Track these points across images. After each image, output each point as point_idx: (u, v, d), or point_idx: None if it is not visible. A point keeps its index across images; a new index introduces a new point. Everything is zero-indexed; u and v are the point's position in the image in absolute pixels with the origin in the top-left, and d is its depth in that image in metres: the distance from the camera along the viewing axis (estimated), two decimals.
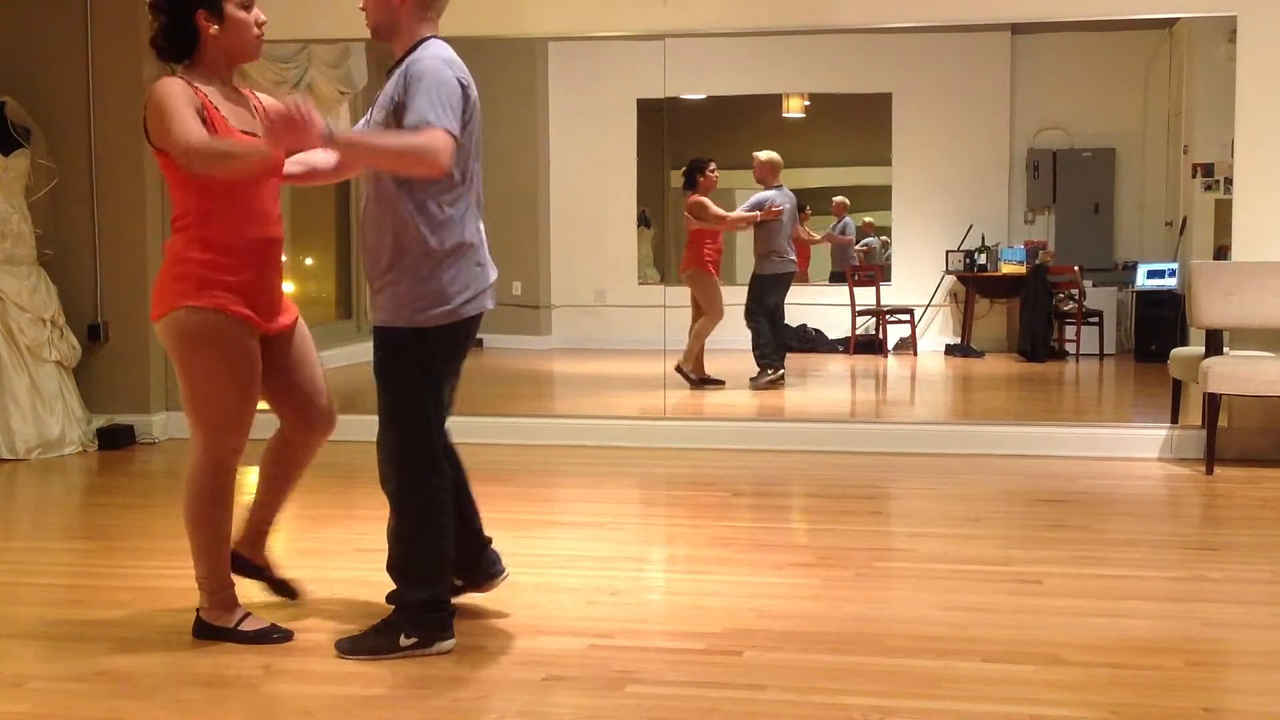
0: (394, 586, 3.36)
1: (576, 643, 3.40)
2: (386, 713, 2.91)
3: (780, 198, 8.73)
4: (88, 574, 4.25)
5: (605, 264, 10.65)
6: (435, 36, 3.27)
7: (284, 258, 3.51)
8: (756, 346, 8.67)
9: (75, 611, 3.77)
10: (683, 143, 10.52)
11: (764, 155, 8.87)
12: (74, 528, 5.18)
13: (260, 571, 3.73)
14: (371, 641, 3.31)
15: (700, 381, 8.42)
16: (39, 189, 6.71)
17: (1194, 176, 9.14)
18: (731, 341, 9.03)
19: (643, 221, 10.99)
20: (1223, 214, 7.24)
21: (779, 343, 8.81)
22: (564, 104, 10.69)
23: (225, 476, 3.38)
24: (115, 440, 6.69)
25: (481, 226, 3.33)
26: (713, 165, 8.76)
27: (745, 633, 3.49)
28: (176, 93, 3.21)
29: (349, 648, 3.31)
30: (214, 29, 3.28)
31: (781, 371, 8.62)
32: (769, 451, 6.48)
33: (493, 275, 3.35)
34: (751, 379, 8.58)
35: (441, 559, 3.33)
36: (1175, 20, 9.31)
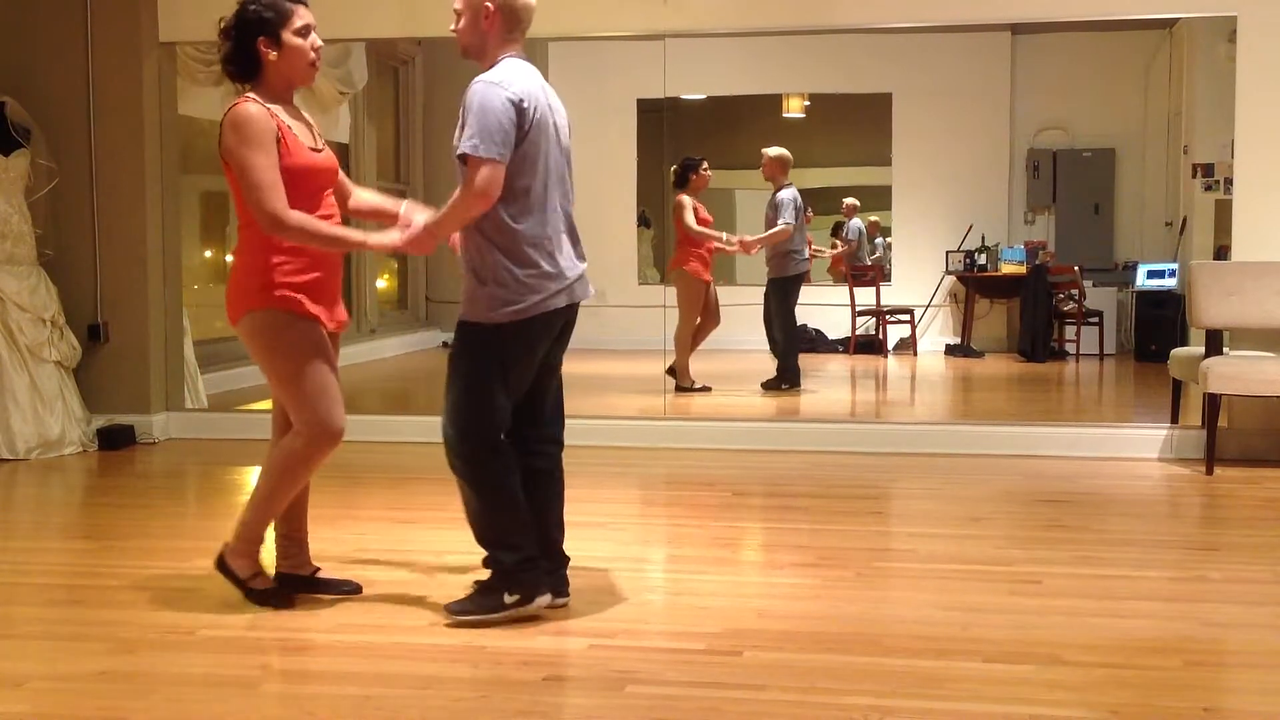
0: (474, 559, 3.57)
1: (576, 643, 3.41)
2: (386, 713, 2.91)
3: (787, 201, 8.55)
4: (88, 574, 4.25)
5: (605, 264, 10.63)
6: (516, 55, 3.52)
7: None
8: (780, 356, 8.59)
9: (75, 611, 3.77)
10: (683, 143, 10.54)
11: (773, 152, 8.62)
12: (74, 528, 5.18)
13: (313, 582, 3.84)
14: (478, 602, 3.53)
15: (684, 390, 8.23)
16: (39, 189, 6.71)
17: (1194, 176, 9.15)
18: (728, 343, 9.05)
19: (643, 221, 11.00)
20: (1223, 214, 7.26)
21: (797, 352, 8.75)
22: (564, 104, 10.67)
23: (322, 449, 3.60)
24: (115, 440, 6.69)
25: (563, 226, 3.55)
26: (705, 165, 8.59)
27: (745, 633, 3.49)
28: (260, 132, 3.45)
29: (458, 609, 3.53)
30: (273, 55, 3.55)
31: (798, 387, 8.56)
32: (769, 451, 6.48)
33: (576, 270, 3.56)
34: (765, 383, 8.53)
35: (521, 521, 3.53)
36: (1175, 20, 9.32)
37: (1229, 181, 6.47)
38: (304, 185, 3.54)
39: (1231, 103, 6.19)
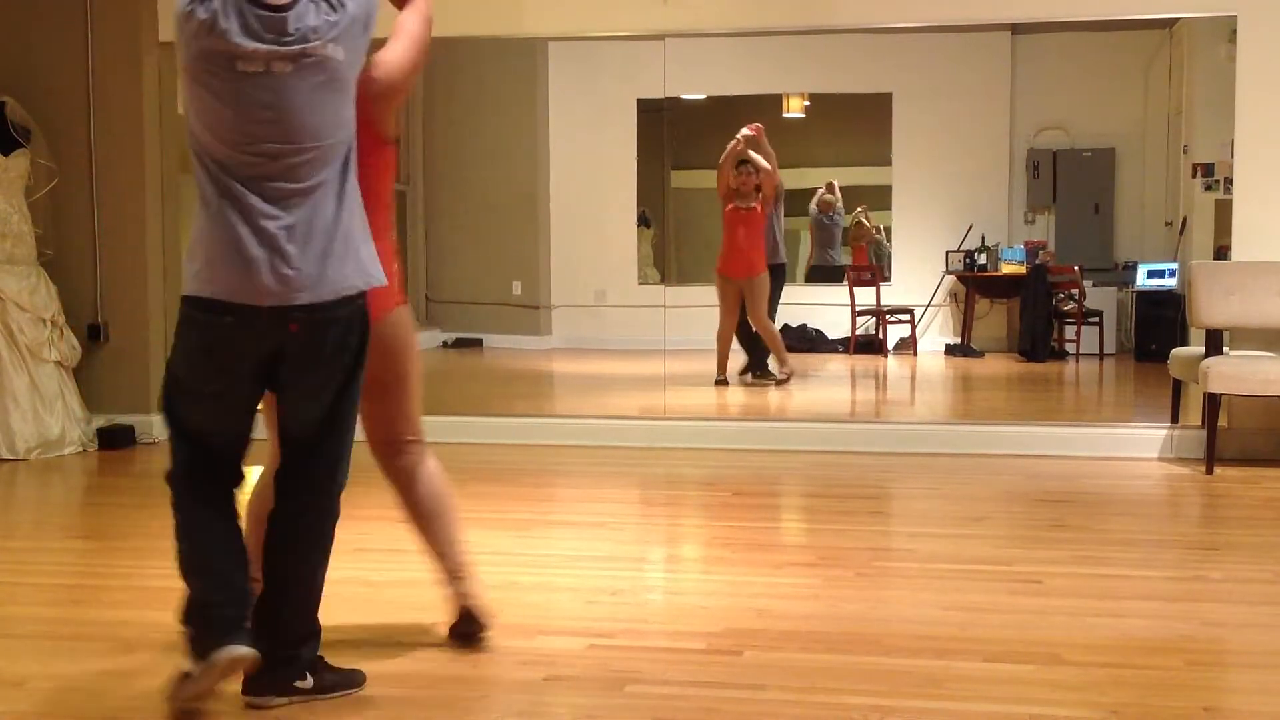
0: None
1: (576, 643, 3.40)
2: (387, 713, 2.91)
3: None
4: (88, 574, 4.25)
5: (605, 264, 10.65)
6: None
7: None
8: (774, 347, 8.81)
9: (75, 611, 3.77)
10: (683, 143, 10.53)
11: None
12: (74, 528, 5.18)
13: None
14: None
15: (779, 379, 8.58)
16: (39, 189, 6.71)
17: (1194, 176, 9.14)
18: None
19: (643, 221, 10.99)
20: (1223, 214, 7.24)
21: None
22: (564, 104, 10.69)
23: None
24: (115, 440, 6.69)
25: (251, 219, 2.76)
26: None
27: (745, 633, 3.49)
28: None
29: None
30: None
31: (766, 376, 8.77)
32: (769, 451, 6.48)
33: (236, 273, 2.79)
34: (756, 375, 8.67)
35: (196, 560, 3.08)
36: (1175, 20, 9.32)
37: (1229, 181, 6.47)
38: None
39: (1231, 103, 6.19)
